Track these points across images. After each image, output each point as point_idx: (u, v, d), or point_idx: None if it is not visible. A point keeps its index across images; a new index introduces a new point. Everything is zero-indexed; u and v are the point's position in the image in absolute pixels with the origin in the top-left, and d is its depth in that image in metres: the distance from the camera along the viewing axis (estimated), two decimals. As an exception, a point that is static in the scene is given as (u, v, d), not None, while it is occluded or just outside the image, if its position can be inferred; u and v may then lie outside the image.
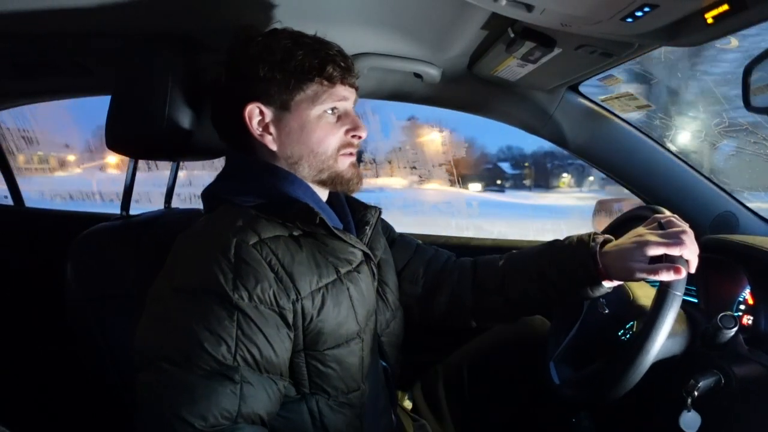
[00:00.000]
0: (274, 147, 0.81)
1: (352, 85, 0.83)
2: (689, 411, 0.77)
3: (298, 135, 0.80)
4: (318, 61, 0.78)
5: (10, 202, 1.85)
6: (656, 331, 0.72)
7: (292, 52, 0.77)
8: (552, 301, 0.94)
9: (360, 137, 0.84)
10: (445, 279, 1.02)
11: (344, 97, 0.82)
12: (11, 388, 1.54)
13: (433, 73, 1.17)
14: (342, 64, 0.80)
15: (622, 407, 0.90)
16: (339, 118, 0.82)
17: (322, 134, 0.81)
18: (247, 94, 0.79)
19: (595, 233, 0.89)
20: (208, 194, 0.83)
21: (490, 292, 0.97)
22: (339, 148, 0.82)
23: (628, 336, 0.85)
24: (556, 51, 0.94)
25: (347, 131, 0.82)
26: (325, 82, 0.79)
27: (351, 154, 0.84)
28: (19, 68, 1.22)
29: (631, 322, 0.85)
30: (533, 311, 1.01)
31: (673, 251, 0.75)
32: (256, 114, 0.79)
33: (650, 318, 0.73)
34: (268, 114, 0.80)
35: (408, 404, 1.15)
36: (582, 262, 0.85)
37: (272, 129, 0.80)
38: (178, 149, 0.95)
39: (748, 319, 0.95)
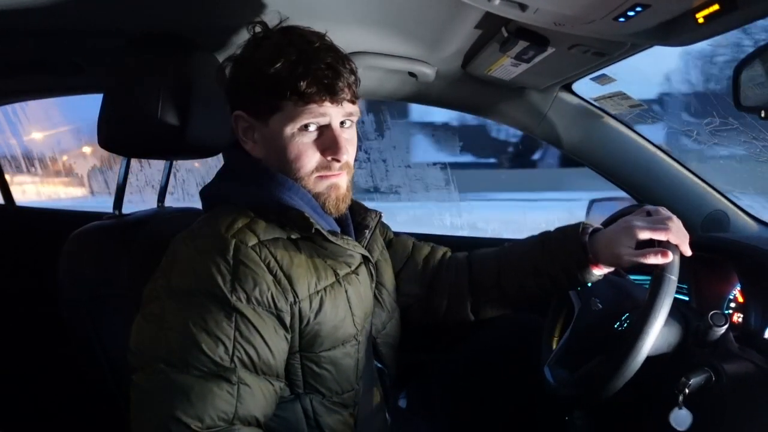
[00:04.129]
0: (259, 155, 0.79)
1: (336, 102, 0.74)
2: (680, 408, 0.78)
3: (275, 150, 0.76)
4: (294, 77, 0.71)
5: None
6: (654, 316, 0.72)
7: (270, 63, 0.72)
8: (548, 292, 0.95)
9: (338, 160, 0.76)
10: (443, 276, 1.02)
11: (322, 114, 0.74)
12: (6, 389, 1.52)
13: (427, 72, 1.17)
14: (325, 80, 0.72)
15: (615, 406, 0.90)
16: (319, 136, 0.76)
17: (296, 153, 0.75)
18: (235, 98, 0.78)
19: (585, 223, 0.91)
20: (207, 193, 0.83)
21: (487, 288, 0.98)
22: (314, 170, 0.76)
23: (624, 326, 0.86)
24: (550, 50, 0.94)
25: (324, 152, 0.76)
26: (299, 101, 0.72)
27: (328, 176, 0.78)
28: (12, 66, 1.21)
29: (626, 314, 0.86)
30: (531, 303, 1.02)
31: (659, 235, 0.77)
32: (241, 120, 0.78)
33: (647, 304, 0.73)
34: (251, 122, 0.77)
35: (403, 404, 1.15)
36: (572, 251, 0.87)
37: (256, 137, 0.78)
38: (171, 148, 0.94)
39: (738, 317, 0.96)
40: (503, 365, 1.08)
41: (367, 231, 0.89)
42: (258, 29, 0.78)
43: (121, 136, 0.92)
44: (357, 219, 0.90)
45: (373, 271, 0.89)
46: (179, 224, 0.79)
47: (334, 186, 0.78)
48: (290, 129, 0.74)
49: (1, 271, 1.63)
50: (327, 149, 0.76)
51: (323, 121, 0.75)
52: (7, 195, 1.82)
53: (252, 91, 0.75)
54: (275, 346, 0.70)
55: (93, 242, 0.92)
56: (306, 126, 0.74)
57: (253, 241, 0.71)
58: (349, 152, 0.78)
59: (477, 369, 1.10)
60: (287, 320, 0.72)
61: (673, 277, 0.74)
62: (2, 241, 1.69)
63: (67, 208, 1.85)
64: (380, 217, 0.92)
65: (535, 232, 0.99)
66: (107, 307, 0.88)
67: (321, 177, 0.77)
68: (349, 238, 0.83)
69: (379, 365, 0.96)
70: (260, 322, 0.69)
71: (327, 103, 0.74)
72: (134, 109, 0.88)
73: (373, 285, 0.90)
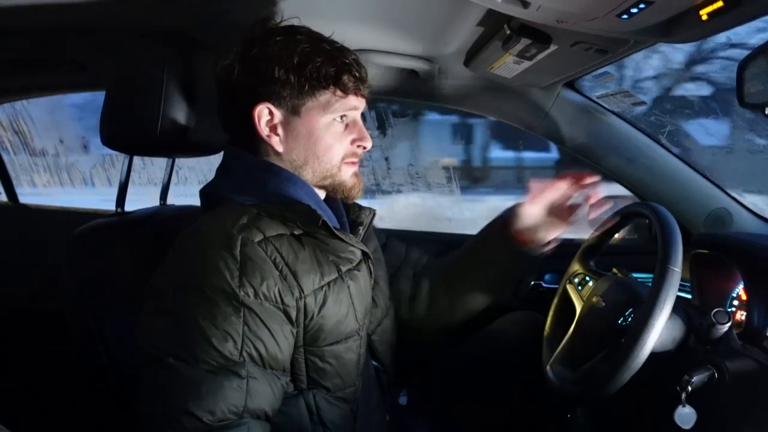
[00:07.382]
0: (280, 148, 0.80)
1: (363, 96, 0.83)
2: (684, 406, 0.77)
3: (305, 140, 0.80)
4: (334, 70, 0.77)
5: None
6: (659, 308, 0.72)
7: (310, 57, 0.76)
8: (495, 280, 1.02)
9: (365, 147, 0.84)
10: (425, 285, 1.06)
11: (354, 106, 0.82)
12: (8, 386, 1.53)
13: (429, 69, 1.17)
14: (356, 74, 0.80)
15: (617, 404, 0.90)
16: (347, 126, 0.82)
17: (329, 142, 0.80)
18: (259, 93, 0.78)
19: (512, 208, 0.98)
20: (207, 191, 0.83)
21: (454, 286, 1.04)
22: (344, 157, 0.82)
23: (629, 321, 0.85)
24: (552, 48, 0.94)
25: (353, 141, 0.82)
26: (338, 92, 0.79)
27: (354, 163, 0.84)
28: (13, 64, 1.21)
29: (630, 309, 0.86)
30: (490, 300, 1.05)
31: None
32: (265, 114, 0.78)
33: (652, 295, 0.73)
34: (278, 115, 0.79)
35: (403, 401, 1.15)
36: (501, 244, 0.96)
37: (280, 131, 0.80)
38: (173, 146, 0.94)
39: (741, 315, 0.96)
40: (504, 363, 1.08)
41: (361, 228, 0.90)
42: (260, 27, 0.79)
43: (123, 133, 0.92)
44: (351, 216, 0.92)
45: (371, 268, 0.90)
46: (182, 222, 0.79)
47: (355, 173, 0.85)
48: (326, 119, 0.80)
49: (3, 269, 1.63)
50: (356, 138, 0.83)
51: (355, 112, 0.83)
52: (11, 192, 1.82)
53: (285, 84, 0.77)
54: (282, 341, 0.71)
55: (95, 240, 0.92)
56: (342, 117, 0.81)
57: (258, 237, 0.72)
58: None
59: (478, 367, 1.10)
60: (293, 315, 0.72)
61: (676, 269, 0.74)
62: (6, 239, 1.70)
63: (71, 206, 1.85)
64: (374, 214, 0.94)
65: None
66: (110, 304, 0.89)
67: (347, 164, 0.83)
68: (350, 234, 0.84)
69: (375, 363, 0.97)
70: (268, 317, 0.69)
71: (359, 96, 0.82)
72: (136, 106, 0.88)
73: (372, 281, 0.90)
